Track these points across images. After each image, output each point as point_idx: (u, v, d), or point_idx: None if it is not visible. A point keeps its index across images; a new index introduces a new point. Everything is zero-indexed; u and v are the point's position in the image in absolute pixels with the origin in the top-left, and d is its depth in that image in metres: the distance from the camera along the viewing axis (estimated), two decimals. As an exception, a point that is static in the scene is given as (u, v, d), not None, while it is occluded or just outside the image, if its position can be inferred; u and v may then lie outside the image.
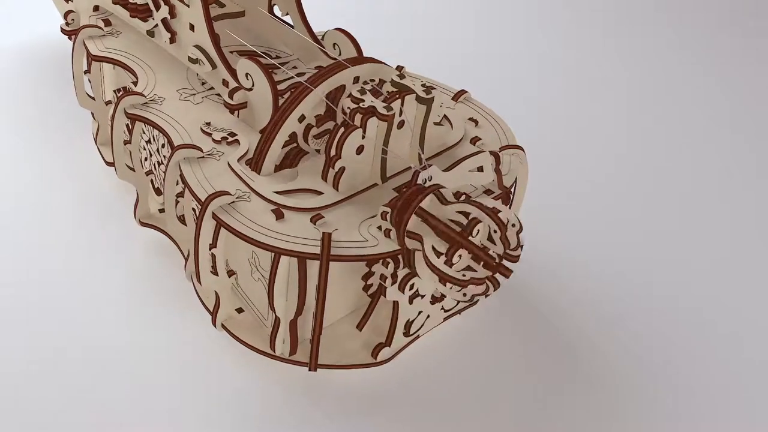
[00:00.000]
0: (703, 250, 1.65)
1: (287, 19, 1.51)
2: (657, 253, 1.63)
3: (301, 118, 1.27)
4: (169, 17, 1.38)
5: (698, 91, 2.17)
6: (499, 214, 1.13)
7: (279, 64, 1.49)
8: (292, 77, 1.39)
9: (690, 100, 2.14)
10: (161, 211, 1.51)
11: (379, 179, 1.27)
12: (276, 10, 1.53)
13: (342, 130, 1.21)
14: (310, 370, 1.29)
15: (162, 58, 1.47)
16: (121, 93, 1.37)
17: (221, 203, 1.20)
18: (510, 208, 1.36)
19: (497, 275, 1.11)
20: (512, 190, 1.35)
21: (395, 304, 1.27)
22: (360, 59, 1.31)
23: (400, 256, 1.20)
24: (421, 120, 1.28)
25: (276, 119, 1.25)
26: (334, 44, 1.42)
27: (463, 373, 1.37)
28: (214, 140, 1.31)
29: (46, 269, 1.47)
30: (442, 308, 1.36)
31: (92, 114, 1.64)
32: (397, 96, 1.23)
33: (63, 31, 1.62)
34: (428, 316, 1.34)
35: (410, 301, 1.28)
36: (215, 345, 1.35)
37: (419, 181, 1.19)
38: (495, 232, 1.13)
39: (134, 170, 1.44)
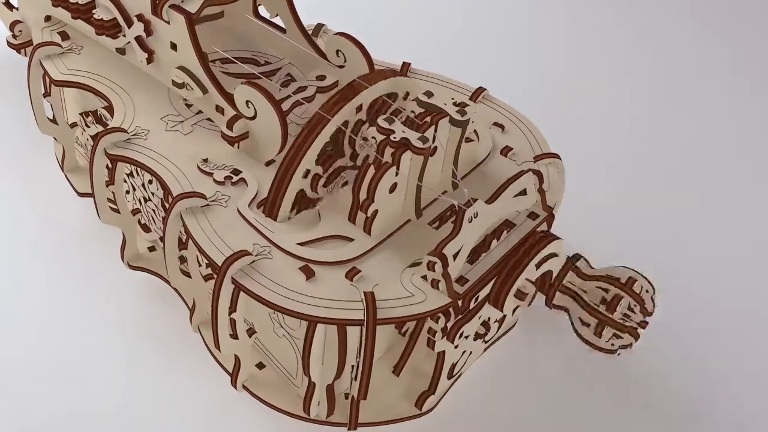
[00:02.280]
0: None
1: (274, 19, 1.33)
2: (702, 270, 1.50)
3: (321, 153, 1.10)
4: (144, 35, 1.18)
5: (734, 88, 1.98)
6: (634, 286, 1.10)
7: (270, 72, 1.31)
8: (292, 96, 1.21)
9: (724, 95, 1.95)
10: (151, 249, 1.33)
11: (413, 215, 1.11)
12: (262, 11, 1.33)
13: (372, 169, 1.05)
14: (349, 429, 1.16)
15: (137, 77, 1.27)
16: (99, 133, 1.17)
17: (241, 266, 1.03)
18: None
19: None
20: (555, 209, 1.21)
21: (440, 352, 1.14)
22: (377, 74, 1.14)
23: (451, 309, 1.06)
24: (455, 143, 1.12)
25: (292, 155, 1.08)
26: (337, 51, 1.24)
27: (504, 405, 1.25)
28: (216, 181, 1.14)
29: (22, 327, 1.29)
30: (483, 341, 1.23)
31: (54, 137, 1.44)
32: (429, 121, 1.07)
33: (10, 45, 1.40)
34: (470, 353, 1.21)
35: (456, 346, 1.15)
36: (235, 404, 1.20)
37: (466, 220, 1.05)
38: (635, 305, 1.09)
39: (119, 212, 1.26)
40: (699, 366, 1.33)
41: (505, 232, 1.12)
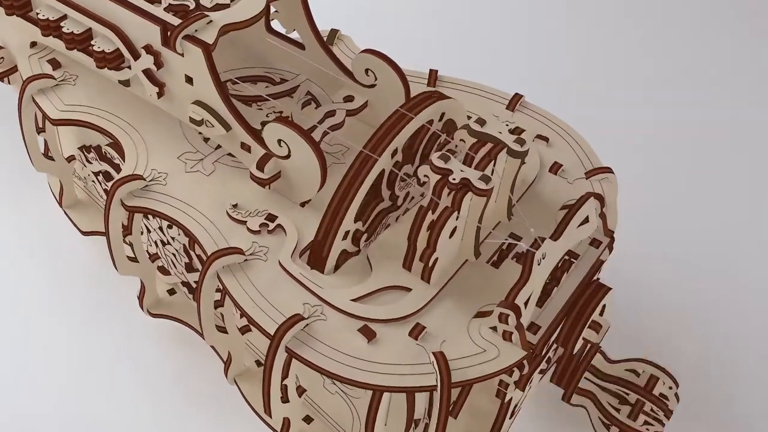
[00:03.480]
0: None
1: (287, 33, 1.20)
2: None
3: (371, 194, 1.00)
4: (153, 68, 1.06)
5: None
6: (656, 386, 1.09)
7: (288, 91, 1.19)
8: (321, 123, 1.10)
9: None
10: (171, 292, 1.22)
11: (472, 255, 1.02)
12: (275, 25, 1.20)
13: (430, 215, 0.95)
14: (412, 483, 1.08)
15: (144, 109, 1.14)
16: (113, 183, 1.05)
17: (295, 332, 0.93)
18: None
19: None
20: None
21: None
22: (421, 100, 1.03)
23: (525, 361, 0.98)
24: (511, 174, 1.03)
25: (338, 201, 0.98)
26: (366, 70, 1.12)
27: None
28: (250, 230, 1.03)
29: (41, 387, 1.19)
30: (542, 374, 1.16)
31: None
32: (487, 155, 0.97)
33: (-9, 73, 1.26)
34: (530, 388, 1.14)
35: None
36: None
37: (535, 264, 0.96)
38: (670, 388, 1.00)
39: (137, 260, 1.14)
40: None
41: (570, 259, 1.04)
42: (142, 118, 1.14)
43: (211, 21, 1.04)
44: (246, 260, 1.00)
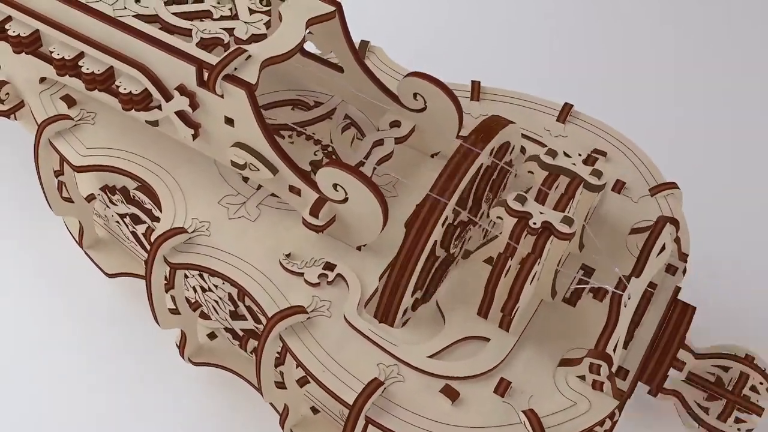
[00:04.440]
0: None
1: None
2: None
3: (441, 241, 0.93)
4: (189, 110, 0.96)
5: None
6: (756, 361, 0.98)
7: (325, 115, 1.10)
8: (371, 155, 1.02)
9: None
10: (211, 336, 1.15)
11: (548, 295, 0.96)
12: (308, 46, 1.11)
13: (509, 263, 0.88)
14: None
15: (174, 148, 1.05)
16: (156, 238, 0.96)
17: (374, 399, 0.87)
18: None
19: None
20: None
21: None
22: (486, 131, 0.95)
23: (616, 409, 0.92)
24: (586, 207, 0.96)
25: (409, 251, 0.90)
26: (415, 94, 1.04)
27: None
28: (308, 282, 0.95)
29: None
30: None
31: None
32: (567, 195, 0.90)
33: (-4, 111, 1.16)
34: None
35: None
36: None
37: (623, 306, 0.90)
38: (761, 383, 0.91)
39: (178, 312, 1.06)
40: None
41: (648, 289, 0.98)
42: (173, 159, 1.05)
43: (250, 56, 0.95)
44: (309, 318, 0.93)
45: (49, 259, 1.27)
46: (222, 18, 0.99)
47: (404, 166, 1.07)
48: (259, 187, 1.03)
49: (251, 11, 1.00)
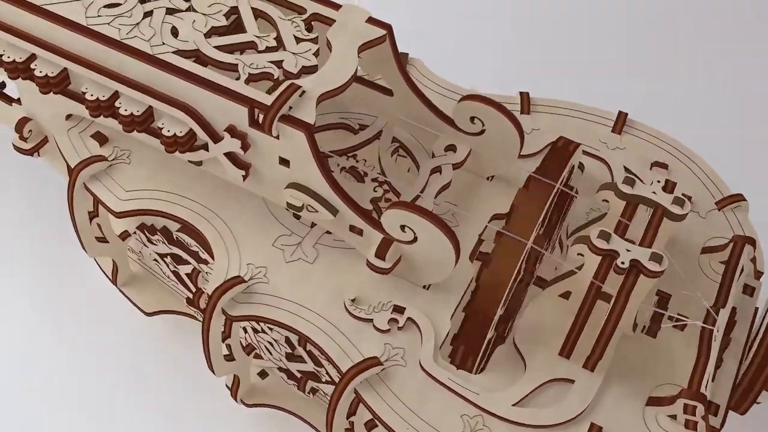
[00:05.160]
0: None
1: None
2: None
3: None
4: (240, 151, 0.90)
5: None
6: None
7: (371, 139, 1.04)
8: (429, 183, 0.96)
9: None
10: (262, 374, 1.10)
11: (630, 329, 0.91)
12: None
13: (593, 305, 0.84)
14: None
15: (218, 187, 0.99)
16: (214, 291, 0.90)
17: (464, 457, 0.83)
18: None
19: None
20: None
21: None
22: (557, 160, 0.90)
23: (708, 447, 0.89)
24: (666, 236, 0.91)
25: (489, 295, 0.85)
26: (472, 118, 0.98)
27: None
28: (378, 328, 0.90)
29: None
30: None
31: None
32: (652, 228, 0.86)
33: (19, 149, 1.08)
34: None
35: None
36: None
37: (713, 345, 0.86)
38: None
39: (234, 359, 1.01)
40: None
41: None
42: (219, 198, 0.99)
43: (304, 92, 0.88)
44: (383, 369, 0.88)
45: (80, 298, 1.21)
46: (268, 49, 0.92)
47: (461, 192, 1.01)
48: (313, 224, 0.98)
49: (297, 39, 0.93)
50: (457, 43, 1.52)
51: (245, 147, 0.90)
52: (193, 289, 1.07)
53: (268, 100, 0.87)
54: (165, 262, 1.08)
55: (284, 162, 0.90)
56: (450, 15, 1.60)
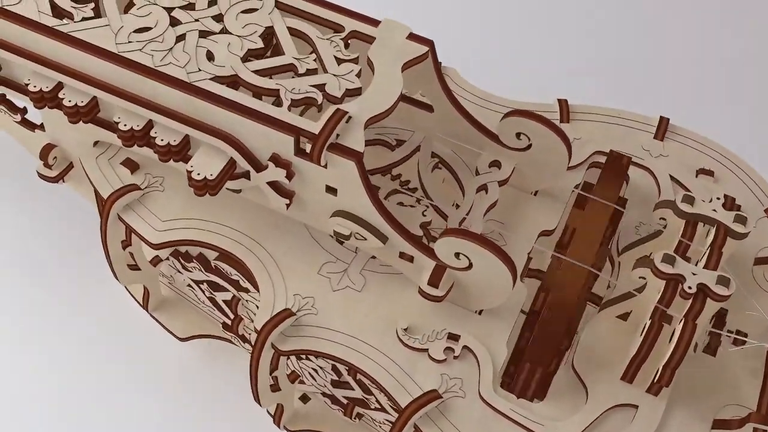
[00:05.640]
0: None
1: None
2: None
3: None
4: (285, 181, 0.87)
5: None
6: None
7: (410, 155, 1.01)
8: (476, 204, 0.93)
9: None
10: (303, 398, 1.07)
11: (691, 349, 0.89)
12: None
13: (660, 329, 0.82)
14: None
15: (257, 212, 0.96)
16: (264, 326, 0.87)
17: (534, 493, 0.81)
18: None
19: None
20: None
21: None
22: (612, 176, 0.87)
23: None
24: (727, 257, 0.88)
25: (555, 324, 0.83)
26: (518, 134, 0.95)
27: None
28: (433, 358, 0.87)
29: None
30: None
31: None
32: (716, 249, 0.83)
33: (43, 177, 1.04)
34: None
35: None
36: None
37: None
38: None
39: (280, 389, 0.98)
40: None
41: None
42: (259, 225, 0.95)
43: (350, 117, 0.85)
44: (444, 401, 0.85)
45: (108, 324, 1.18)
46: (308, 72, 0.89)
47: (505, 208, 0.98)
48: (357, 248, 0.95)
49: (338, 60, 0.90)
50: (482, 48, 1.48)
51: (290, 176, 0.86)
52: (232, 316, 1.04)
53: (314, 128, 0.84)
54: (201, 288, 1.05)
55: (331, 190, 0.87)
56: (472, 20, 1.54)
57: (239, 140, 0.87)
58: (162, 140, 0.89)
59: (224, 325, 1.07)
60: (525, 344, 0.91)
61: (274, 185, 0.88)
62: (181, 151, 0.90)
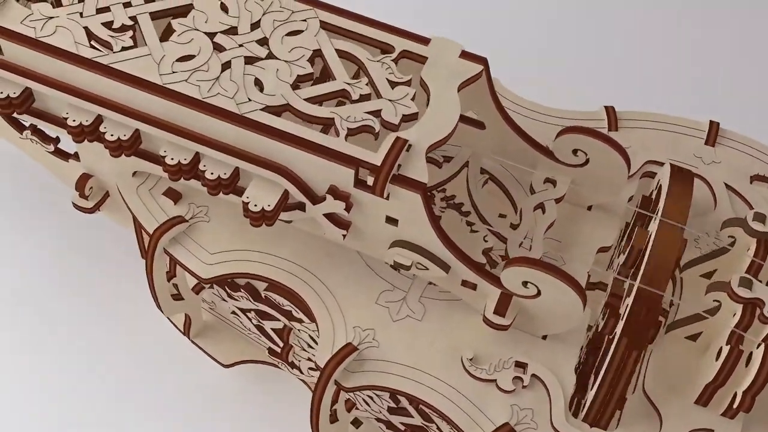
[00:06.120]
0: None
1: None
2: None
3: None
4: (344, 213, 0.83)
5: None
6: None
7: (457, 172, 0.98)
8: (537, 224, 0.91)
9: None
10: (356, 423, 1.05)
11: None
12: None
13: (742, 350, 0.80)
14: None
15: (306, 238, 0.93)
16: (327, 363, 0.84)
17: None
18: None
19: None
20: None
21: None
22: (679, 196, 0.85)
23: None
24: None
25: (627, 351, 0.80)
26: (575, 150, 0.92)
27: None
28: (501, 388, 0.85)
29: None
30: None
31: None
32: (792, 268, 0.81)
33: (79, 207, 1.00)
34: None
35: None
36: None
37: None
38: None
39: (337, 419, 0.96)
40: None
41: None
42: (312, 255, 0.92)
43: (410, 146, 0.82)
44: (516, 435, 0.83)
45: (147, 348, 1.15)
46: (362, 98, 0.85)
47: (560, 224, 0.95)
48: (414, 275, 0.92)
49: (392, 84, 0.86)
50: (521, 57, 1.43)
51: (348, 208, 0.83)
52: (281, 344, 1.01)
53: (375, 158, 0.80)
54: (247, 316, 1.02)
55: (391, 220, 0.84)
56: (504, 29, 1.49)
57: (294, 172, 0.83)
58: (212, 174, 0.85)
59: (271, 351, 1.04)
60: (590, 369, 0.89)
61: (330, 216, 0.85)
62: (231, 184, 0.86)
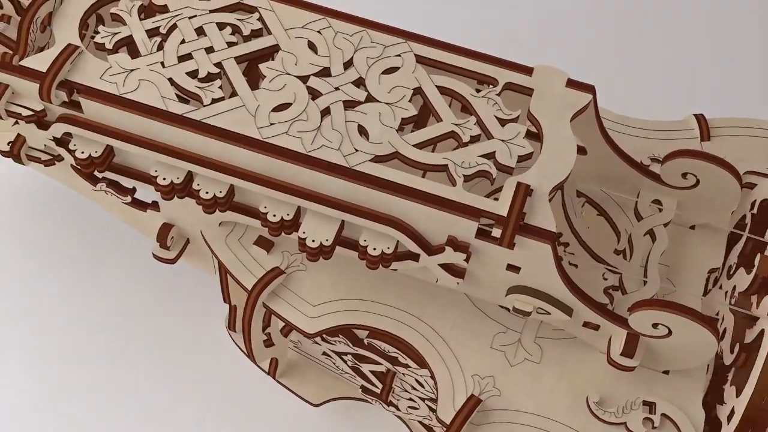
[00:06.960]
0: None
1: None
2: None
3: None
4: (464, 264, 0.79)
5: None
6: None
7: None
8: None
9: None
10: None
11: None
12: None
13: None
14: None
15: (409, 282, 0.89)
16: (452, 420, 0.81)
17: None
18: None
19: None
20: None
21: None
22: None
23: None
24: None
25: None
26: (684, 174, 0.88)
27: None
28: (631, 431, 0.83)
29: None
30: None
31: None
32: None
33: (162, 259, 0.95)
34: None
35: None
36: None
37: None
38: None
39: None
40: None
41: None
42: (417, 299, 0.88)
43: (532, 190, 0.77)
44: (654, 483, 0.81)
45: (229, 392, 1.10)
46: (472, 140, 0.80)
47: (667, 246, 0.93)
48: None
49: (501, 122, 0.81)
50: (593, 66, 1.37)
51: (468, 258, 0.79)
52: (380, 385, 0.97)
53: (498, 208, 0.76)
54: (342, 359, 0.98)
55: (513, 268, 0.80)
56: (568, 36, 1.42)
57: (409, 224, 0.79)
58: (314, 243, 0.80)
59: (364, 389, 1.01)
60: (713, 401, 0.86)
61: (446, 266, 0.81)
62: (334, 242, 0.81)
